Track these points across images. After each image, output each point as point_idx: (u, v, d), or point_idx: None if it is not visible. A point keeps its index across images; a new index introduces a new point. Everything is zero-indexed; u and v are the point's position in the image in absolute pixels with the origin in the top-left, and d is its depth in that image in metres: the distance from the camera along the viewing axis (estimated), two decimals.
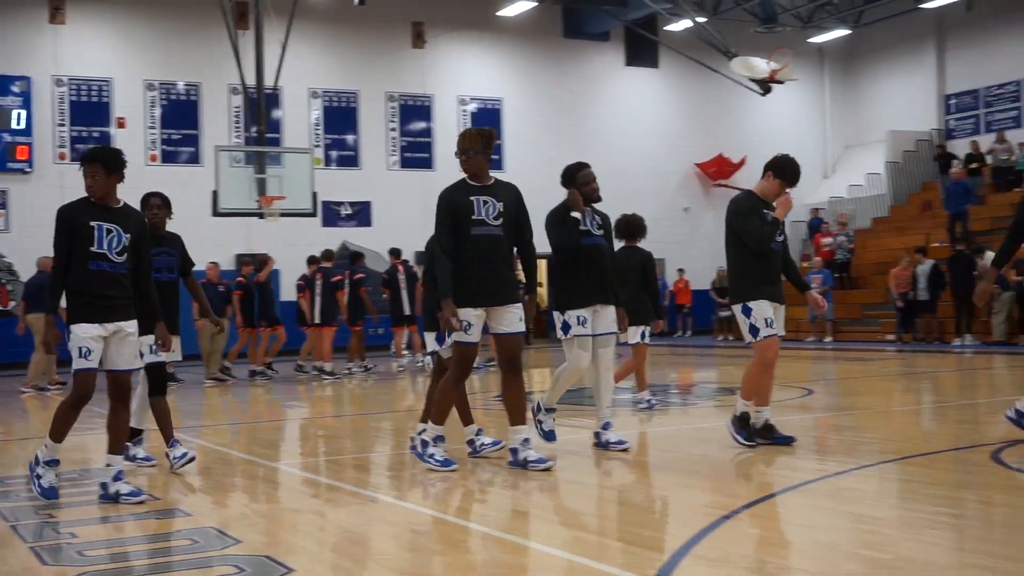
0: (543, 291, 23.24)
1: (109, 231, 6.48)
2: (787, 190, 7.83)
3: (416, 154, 27.00)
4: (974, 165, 26.94)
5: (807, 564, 4.77)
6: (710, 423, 10.20)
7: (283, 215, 20.39)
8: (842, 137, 32.51)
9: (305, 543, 5.52)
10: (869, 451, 7.76)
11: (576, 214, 7.93)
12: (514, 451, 7.26)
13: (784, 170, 7.83)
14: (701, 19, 26.28)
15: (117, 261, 6.50)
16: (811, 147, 32.05)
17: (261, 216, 20.46)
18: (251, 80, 21.68)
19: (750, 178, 30.24)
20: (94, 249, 6.43)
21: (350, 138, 26.48)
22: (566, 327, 7.91)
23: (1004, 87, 28.71)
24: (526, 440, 7.25)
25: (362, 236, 25.42)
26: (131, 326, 6.61)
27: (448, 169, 26.86)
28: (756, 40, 27.80)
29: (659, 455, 8.42)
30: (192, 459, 7.66)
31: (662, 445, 8.88)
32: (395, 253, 19.18)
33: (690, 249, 29.76)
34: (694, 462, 7.64)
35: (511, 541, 5.38)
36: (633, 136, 29.37)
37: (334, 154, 26.24)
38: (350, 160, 26.39)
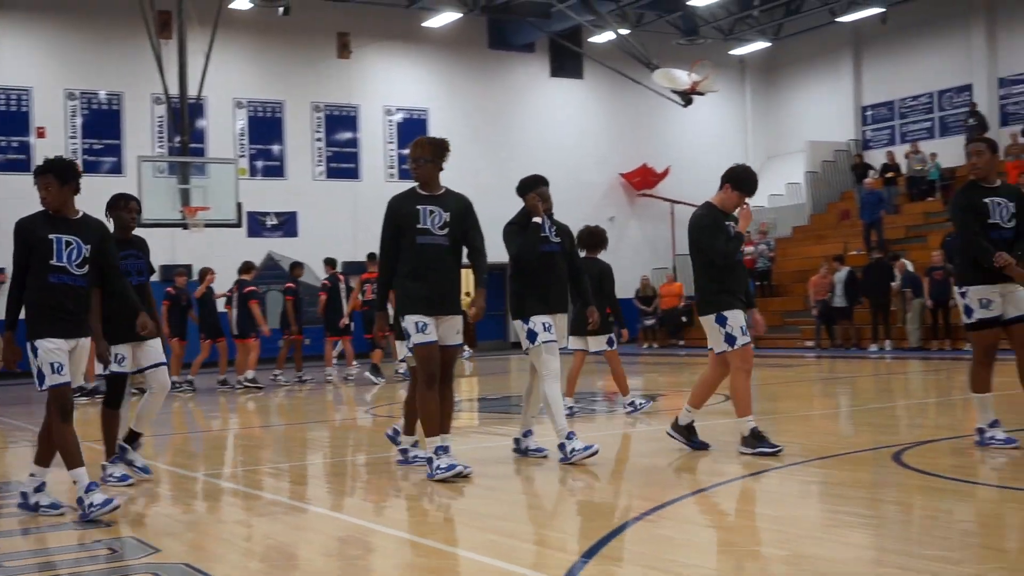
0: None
1: (68, 243, 6.39)
2: (746, 201, 7.92)
3: (342, 164, 27.01)
4: (889, 175, 27.64)
5: (707, 562, 4.97)
6: (634, 429, 10.42)
7: (207, 226, 20.29)
8: (763, 147, 33.10)
9: (227, 552, 5.60)
10: (784, 454, 7.99)
11: (537, 219, 8.03)
12: (429, 460, 7.26)
13: (741, 181, 7.92)
14: (624, 31, 26.65)
15: (77, 274, 6.41)
16: (733, 157, 32.48)
17: (185, 227, 20.34)
18: (174, 90, 21.56)
19: (674, 188, 30.76)
20: (53, 262, 6.35)
21: (275, 148, 26.42)
22: (532, 335, 7.85)
23: (918, 99, 29.48)
24: (441, 449, 7.25)
25: (288, 246, 25.39)
26: (87, 342, 6.54)
27: (375, 179, 27.01)
28: (679, 52, 28.28)
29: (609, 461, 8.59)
30: (131, 483, 7.54)
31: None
32: (331, 263, 19.24)
33: (615, 258, 29.67)
34: (615, 466, 7.83)
35: (429, 546, 5.51)
36: (558, 146, 29.65)
37: (259, 164, 26.16)
38: (275, 170, 26.33)
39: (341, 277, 18.94)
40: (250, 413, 14.44)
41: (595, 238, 11.12)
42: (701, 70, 23.02)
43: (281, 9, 23.23)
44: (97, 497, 6.25)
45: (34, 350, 6.33)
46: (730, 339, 7.73)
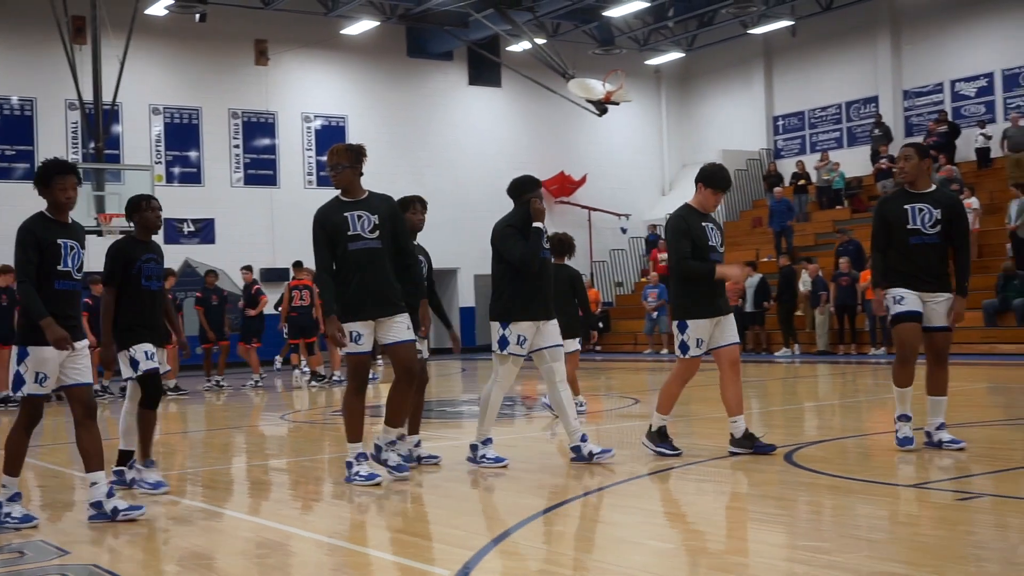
0: None
1: (71, 248, 6.41)
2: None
3: (260, 171, 26.99)
4: (800, 183, 28.35)
5: (599, 555, 5.24)
6: (558, 428, 10.68)
7: (123, 232, 20.15)
8: (679, 155, 33.68)
9: (136, 553, 5.73)
10: (686, 454, 8.28)
11: (539, 225, 7.85)
12: (377, 448, 7.53)
13: (712, 178, 8.00)
14: (541, 41, 27.00)
15: (77, 279, 6.41)
16: (649, 165, 33.19)
17: (100, 234, 20.21)
18: (89, 96, 21.43)
19: (591, 195, 31.20)
20: (60, 268, 6.31)
21: (192, 155, 26.31)
22: (504, 342, 7.81)
23: (827, 110, 30.28)
24: (393, 442, 7.60)
25: (206, 253, 25.31)
26: (84, 343, 6.46)
27: (293, 186, 27.02)
28: (595, 62, 28.73)
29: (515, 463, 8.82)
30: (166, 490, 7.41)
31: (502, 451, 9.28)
32: (249, 269, 19.35)
33: None
34: (526, 465, 8.07)
35: (339, 546, 5.70)
36: (476, 153, 29.91)
37: (176, 171, 26.04)
38: (192, 177, 26.22)
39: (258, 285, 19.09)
40: (171, 419, 14.44)
41: (564, 245, 11.40)
42: (615, 80, 23.44)
43: (198, 16, 23.19)
44: (17, 510, 6.31)
45: (23, 357, 6.26)
46: (683, 347, 7.92)
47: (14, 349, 6.37)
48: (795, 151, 30.88)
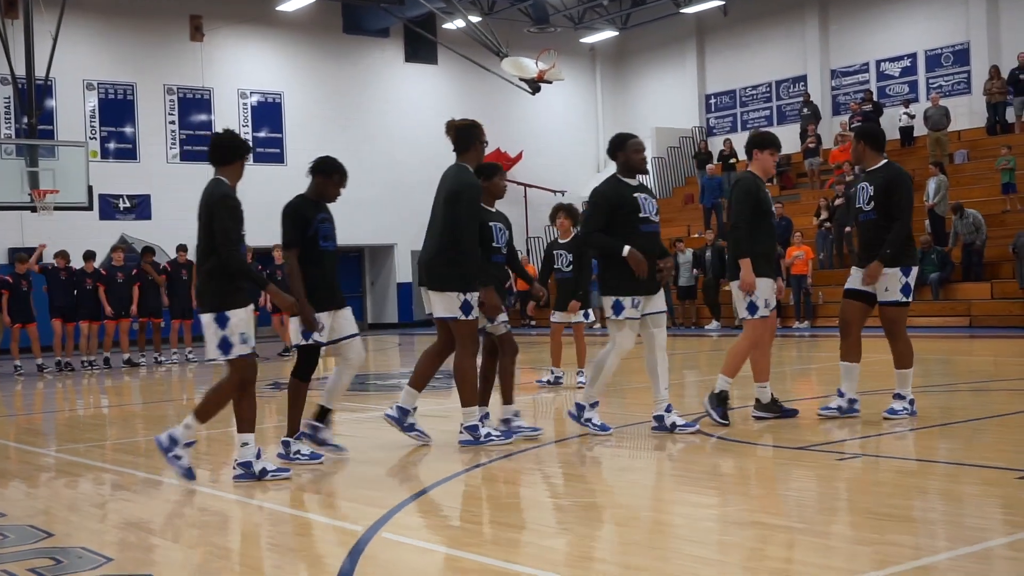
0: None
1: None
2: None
3: (196, 147, 26.97)
4: (731, 161, 28.90)
5: (502, 515, 5.64)
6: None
7: (57, 208, 20.20)
8: (613, 132, 33.83)
9: (81, 520, 6.03)
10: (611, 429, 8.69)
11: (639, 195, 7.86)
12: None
13: (765, 140, 8.31)
14: (475, 18, 27.24)
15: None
16: (584, 142, 33.60)
17: (34, 210, 20.23)
18: (21, 70, 21.35)
19: (527, 172, 31.54)
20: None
21: (128, 130, 26.27)
22: (618, 307, 7.71)
23: (757, 88, 30.86)
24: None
25: (142, 229, 25.32)
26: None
27: None
28: (530, 40, 29.01)
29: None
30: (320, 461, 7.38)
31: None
32: (183, 248, 19.52)
33: None
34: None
35: (270, 508, 6.05)
36: (413, 130, 30.11)
37: (111, 146, 26.00)
38: (128, 153, 26.19)
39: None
40: (117, 392, 14.64)
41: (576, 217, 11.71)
42: (548, 59, 23.75)
43: None
44: (270, 464, 6.74)
45: (224, 320, 6.52)
46: (752, 308, 8.09)
47: (206, 317, 6.57)
48: (727, 129, 31.44)
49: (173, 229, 24.04)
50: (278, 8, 27.27)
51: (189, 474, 6.67)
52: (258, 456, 6.72)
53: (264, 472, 6.66)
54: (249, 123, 27.75)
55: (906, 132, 26.29)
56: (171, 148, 26.73)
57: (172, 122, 26.81)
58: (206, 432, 8.59)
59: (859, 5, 28.35)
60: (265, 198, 27.09)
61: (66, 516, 6.08)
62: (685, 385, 12.43)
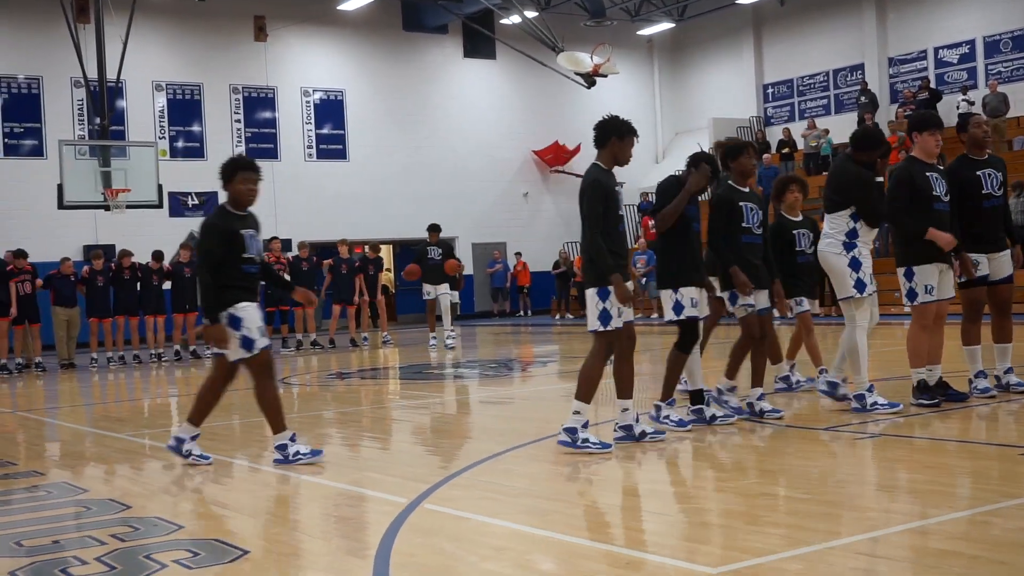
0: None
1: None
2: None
3: (261, 145, 27.71)
4: (786, 150, 29.02)
5: (536, 488, 6.08)
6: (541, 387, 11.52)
7: (129, 207, 20.95)
8: (672, 124, 34.35)
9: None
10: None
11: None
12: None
13: (922, 122, 8.22)
14: (532, 13, 27.63)
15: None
16: (643, 133, 33.30)
17: (107, 208, 21.00)
18: (93, 73, 22.13)
19: (585, 163, 31.68)
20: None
21: (195, 129, 27.06)
22: (860, 285, 7.95)
23: (815, 77, 30.89)
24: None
25: None
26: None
27: (293, 159, 27.79)
28: (587, 33, 29.34)
29: (486, 417, 9.67)
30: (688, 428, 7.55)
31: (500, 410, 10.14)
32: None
33: (530, 233, 31.22)
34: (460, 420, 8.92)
35: (351, 491, 6.56)
36: (472, 125, 30.60)
37: (180, 145, 26.79)
38: (195, 151, 26.97)
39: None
40: (185, 382, 15.30)
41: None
42: (603, 53, 24.08)
43: None
44: (592, 437, 6.96)
45: (605, 293, 6.91)
46: (911, 294, 8.11)
47: (591, 291, 6.95)
48: (784, 119, 31.53)
49: None
50: (339, 7, 27.88)
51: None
52: (636, 419, 7.17)
53: (643, 434, 7.12)
54: (312, 120, 28.42)
55: (964, 119, 26.17)
56: (237, 146, 27.45)
57: (238, 120, 27.54)
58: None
59: None
60: (330, 192, 28.05)
61: (141, 491, 6.63)
62: None
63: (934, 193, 8.07)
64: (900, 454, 6.75)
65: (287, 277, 19.37)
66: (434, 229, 19.07)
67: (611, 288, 6.89)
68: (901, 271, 8.17)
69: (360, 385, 13.60)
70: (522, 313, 30.43)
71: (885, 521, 4.92)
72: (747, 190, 8.02)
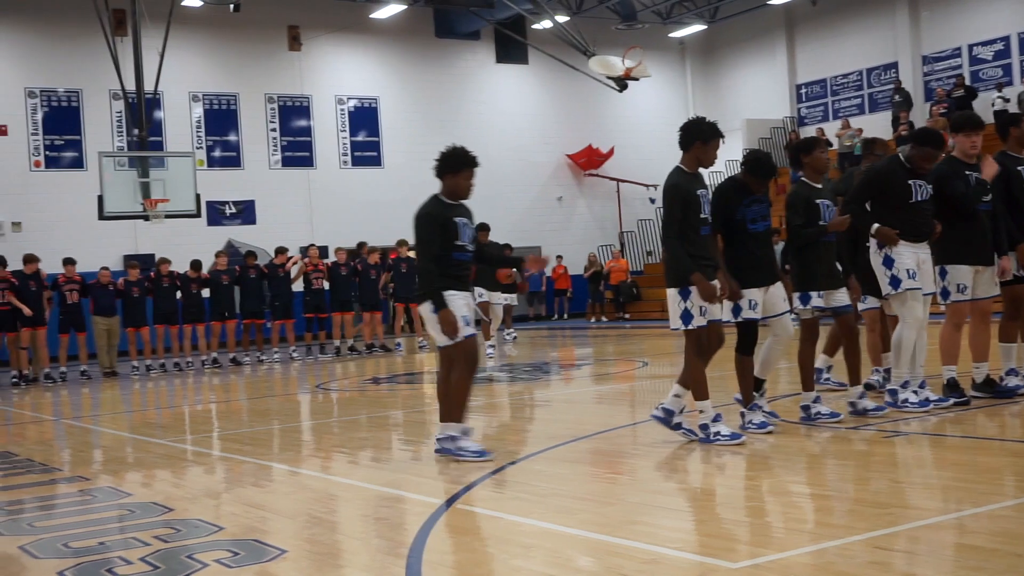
0: None
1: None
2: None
3: (297, 153, 28.02)
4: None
5: (565, 487, 6.21)
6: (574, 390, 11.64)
7: (168, 216, 21.26)
8: None
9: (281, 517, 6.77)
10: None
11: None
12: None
13: (955, 124, 8.41)
14: (563, 18, 27.77)
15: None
16: (676, 136, 33.76)
17: (147, 218, 21.32)
18: (131, 85, 22.48)
19: (619, 167, 32.01)
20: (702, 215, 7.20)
21: (232, 139, 27.39)
22: (895, 281, 7.99)
23: (848, 76, 30.83)
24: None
25: (247, 234, 26.40)
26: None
27: (329, 167, 28.10)
28: (619, 37, 29.45)
29: (520, 420, 9.81)
30: (769, 430, 7.54)
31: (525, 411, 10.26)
32: (283, 251, 20.48)
33: (565, 236, 31.33)
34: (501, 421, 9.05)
35: (386, 492, 6.72)
36: (506, 130, 30.77)
37: (216, 155, 27.13)
38: (232, 160, 27.31)
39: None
40: (224, 389, 15.57)
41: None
42: (634, 56, 24.16)
43: (232, 6, 24.18)
44: (724, 428, 7.17)
45: (686, 294, 7.09)
46: (944, 293, 8.30)
47: (672, 291, 7.14)
48: (818, 119, 31.47)
49: (276, 232, 25.10)
50: (371, 16, 28.15)
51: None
52: (715, 419, 7.20)
53: (718, 435, 7.15)
54: (347, 128, 28.69)
55: (1000, 116, 26.05)
56: (273, 155, 27.78)
57: (273, 129, 27.86)
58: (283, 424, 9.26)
59: None
60: (365, 198, 28.30)
61: (183, 495, 6.82)
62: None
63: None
64: (926, 452, 6.83)
65: (325, 284, 20.01)
66: (483, 228, 18.51)
67: (692, 288, 7.05)
68: (936, 270, 8.27)
69: (397, 389, 13.78)
70: (557, 317, 30.54)
71: (904, 516, 5.01)
72: (821, 186, 7.97)
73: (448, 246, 7.20)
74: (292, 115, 28.13)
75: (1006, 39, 27.23)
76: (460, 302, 7.19)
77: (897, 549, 4.46)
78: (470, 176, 7.35)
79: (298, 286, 20.37)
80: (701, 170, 7.37)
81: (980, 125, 8.41)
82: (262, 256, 22.67)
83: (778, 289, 7.60)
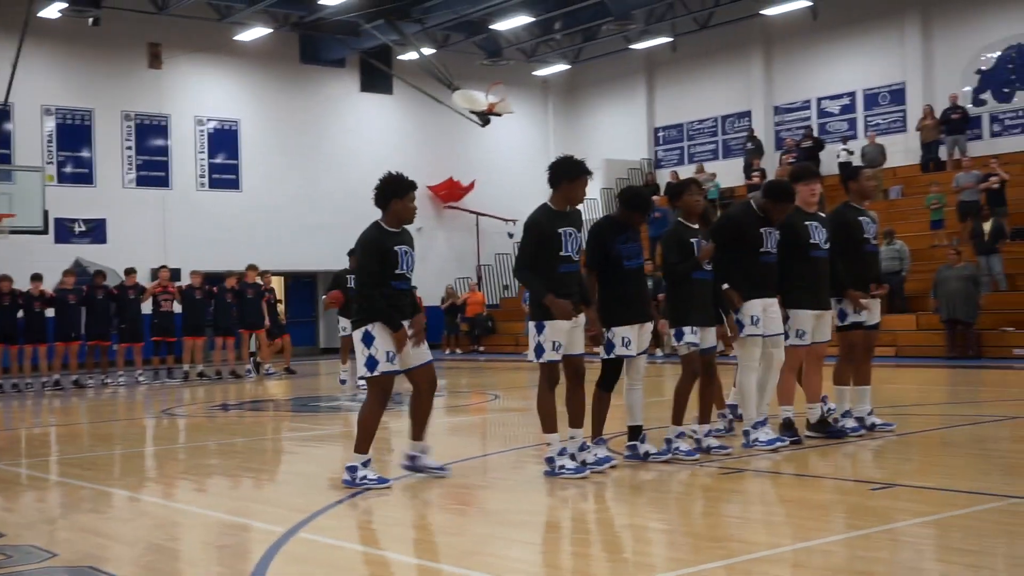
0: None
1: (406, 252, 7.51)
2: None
3: (152, 172, 27.41)
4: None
5: (408, 516, 6.25)
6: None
7: (13, 232, 20.59)
8: None
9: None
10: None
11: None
12: None
13: (795, 175, 8.77)
14: (429, 50, 27.94)
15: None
16: (536, 172, 33.80)
17: None
18: None
19: (479, 201, 32.23)
20: (562, 253, 7.24)
21: (85, 155, 26.65)
22: (740, 326, 8.28)
23: (704, 122, 31.74)
24: None
25: (97, 253, 25.66)
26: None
27: (185, 188, 27.55)
28: (483, 72, 29.72)
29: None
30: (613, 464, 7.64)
31: None
32: (132, 272, 20.04)
33: (422, 267, 31.06)
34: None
35: (230, 520, 6.63)
36: (368, 158, 30.63)
37: (68, 171, 26.35)
38: (84, 177, 26.55)
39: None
40: (65, 412, 15.09)
41: None
42: (498, 92, 24.43)
43: (91, 19, 23.64)
44: (568, 462, 7.25)
45: (541, 328, 7.20)
46: (784, 337, 8.53)
47: (531, 324, 7.29)
48: (674, 162, 32.30)
49: (128, 252, 24.50)
50: (236, 38, 27.81)
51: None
52: (561, 452, 7.31)
53: (562, 468, 7.26)
54: (206, 150, 28.22)
55: (845, 168, 27.18)
56: (127, 173, 27.12)
57: (129, 147, 27.22)
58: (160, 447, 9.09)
59: (801, 44, 29.32)
60: (221, 221, 27.84)
61: (16, 520, 6.62)
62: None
63: (812, 241, 8.53)
64: (762, 489, 7.09)
65: (177, 307, 19.59)
66: (355, 254, 17.75)
67: (547, 324, 7.18)
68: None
69: (247, 416, 13.59)
70: None
71: (738, 550, 5.21)
72: (696, 226, 8.16)
73: (388, 275, 7.26)
74: (149, 134, 27.53)
75: (852, 94, 28.45)
76: (388, 336, 7.18)
77: None
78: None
79: (146, 308, 19.92)
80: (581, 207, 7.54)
81: (817, 175, 8.91)
82: (112, 276, 22.10)
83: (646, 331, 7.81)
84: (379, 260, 7.22)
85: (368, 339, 7.19)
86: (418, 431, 7.47)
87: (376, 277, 7.19)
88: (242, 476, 8.51)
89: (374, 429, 7.25)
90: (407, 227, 7.57)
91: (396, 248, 7.27)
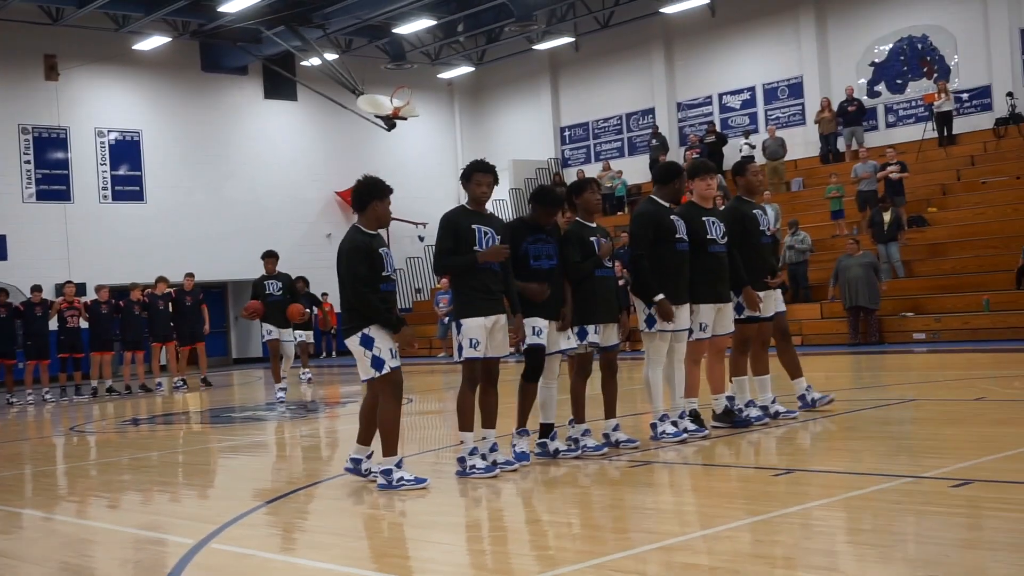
0: None
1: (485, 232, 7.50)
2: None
3: (53, 186, 26.93)
4: None
5: (319, 523, 6.29)
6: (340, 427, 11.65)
7: None
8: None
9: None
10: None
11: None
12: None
13: (691, 170, 8.94)
14: (333, 56, 27.84)
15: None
16: (445, 174, 34.39)
17: None
18: None
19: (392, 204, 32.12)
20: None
21: None
22: (650, 321, 8.41)
23: (609, 120, 32.11)
24: None
25: None
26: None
27: (87, 201, 27.09)
28: (388, 76, 29.71)
29: (281, 458, 9.75)
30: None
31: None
32: (38, 288, 19.71)
33: (333, 274, 30.98)
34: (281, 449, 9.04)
35: (143, 535, 6.59)
36: (274, 166, 30.51)
37: None
38: None
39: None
40: None
41: None
42: (402, 96, 24.44)
43: None
44: (479, 462, 7.38)
45: (459, 326, 7.36)
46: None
47: (455, 324, 7.44)
48: (581, 160, 32.62)
49: (30, 269, 24.04)
50: (134, 47, 27.42)
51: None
52: (472, 452, 7.45)
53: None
54: (107, 161, 27.80)
55: (740, 163, 27.66)
56: (27, 187, 26.61)
57: (27, 161, 26.70)
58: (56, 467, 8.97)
59: (701, 41, 29.81)
60: (126, 233, 27.42)
61: None
62: None
63: (709, 236, 8.72)
64: (668, 479, 7.26)
65: (84, 322, 19.26)
66: (270, 256, 16.77)
67: (463, 322, 7.37)
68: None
69: (158, 430, 13.46)
70: (325, 355, 30.38)
71: (641, 540, 5.35)
72: (594, 225, 8.27)
73: (374, 278, 7.25)
74: (48, 147, 27.03)
75: (752, 89, 29.02)
76: (386, 334, 7.18)
77: (629, 571, 4.77)
78: (388, 203, 7.48)
79: (52, 324, 19.58)
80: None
81: (713, 169, 9.14)
82: (14, 294, 21.68)
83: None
84: (368, 263, 7.20)
85: (367, 342, 7.18)
86: (366, 436, 7.54)
87: (367, 280, 7.17)
88: (155, 490, 8.45)
89: (397, 428, 7.27)
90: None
91: (380, 250, 7.29)
